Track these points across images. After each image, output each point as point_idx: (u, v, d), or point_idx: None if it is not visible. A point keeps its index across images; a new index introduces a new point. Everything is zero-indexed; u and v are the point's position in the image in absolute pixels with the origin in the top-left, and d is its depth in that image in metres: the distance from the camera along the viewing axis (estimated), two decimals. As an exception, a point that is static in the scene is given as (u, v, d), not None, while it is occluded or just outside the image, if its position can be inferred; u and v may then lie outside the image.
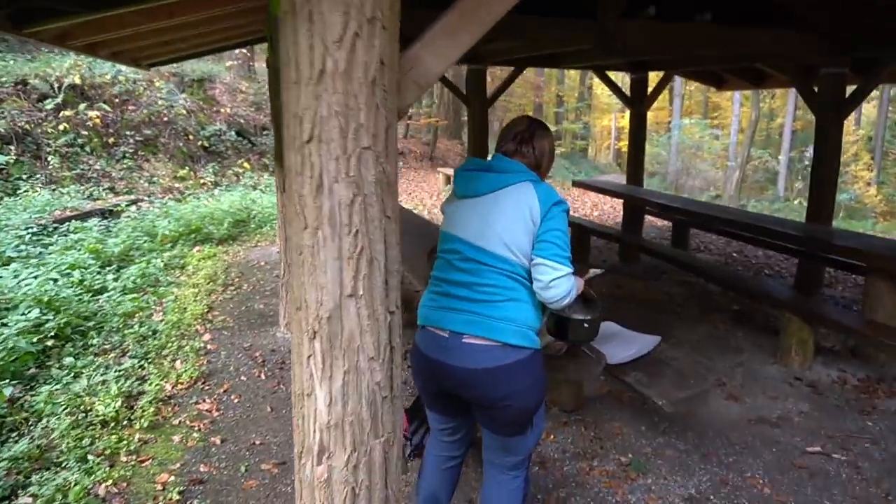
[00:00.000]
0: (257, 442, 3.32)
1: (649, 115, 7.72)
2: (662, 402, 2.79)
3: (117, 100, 9.87)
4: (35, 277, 4.83)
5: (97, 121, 9.25)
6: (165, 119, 10.19)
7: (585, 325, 2.21)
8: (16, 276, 4.85)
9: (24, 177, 8.07)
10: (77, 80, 9.46)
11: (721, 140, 21.48)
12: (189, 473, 3.04)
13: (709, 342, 4.69)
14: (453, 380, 1.89)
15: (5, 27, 2.94)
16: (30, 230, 6.40)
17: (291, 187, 1.35)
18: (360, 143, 1.29)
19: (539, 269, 1.78)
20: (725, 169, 20.62)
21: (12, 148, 8.27)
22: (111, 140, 9.37)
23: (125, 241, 6.56)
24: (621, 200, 7.06)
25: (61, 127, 8.87)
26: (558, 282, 1.76)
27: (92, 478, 2.91)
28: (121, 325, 4.68)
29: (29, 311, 4.25)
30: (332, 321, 1.35)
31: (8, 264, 5.37)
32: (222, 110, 11.40)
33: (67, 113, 9.05)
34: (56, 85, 9.26)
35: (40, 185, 8.04)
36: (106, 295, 5.22)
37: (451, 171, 8.36)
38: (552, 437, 3.32)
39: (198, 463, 3.13)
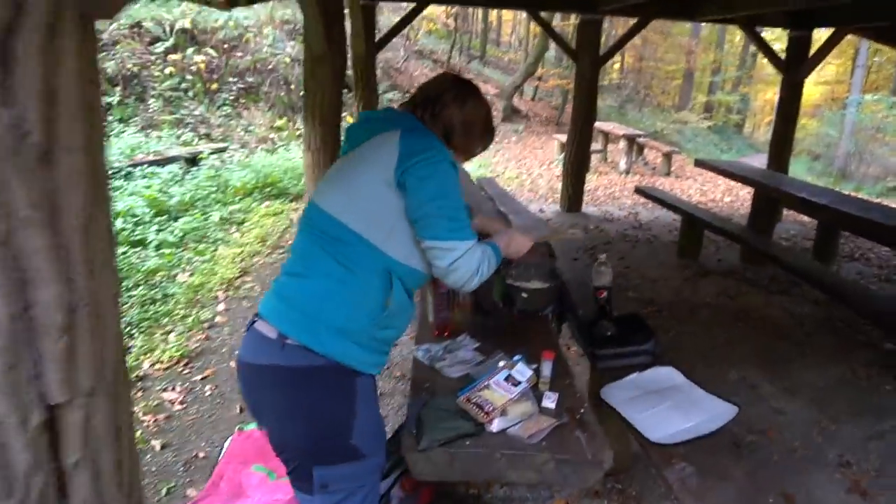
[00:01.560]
0: (201, 455, 2.71)
1: (821, 88, 6.10)
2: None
3: (225, 45, 9.78)
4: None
5: (202, 66, 9.20)
6: (269, 67, 9.98)
7: (525, 294, 2.08)
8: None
9: (125, 118, 8.16)
10: (188, 25, 9.44)
11: (912, 122, 17.84)
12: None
13: (839, 394, 3.41)
14: None
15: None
16: (103, 172, 6.32)
17: None
18: None
19: (431, 254, 1.48)
20: (913, 156, 17.16)
21: (118, 89, 8.39)
22: (213, 86, 9.30)
23: (191, 190, 6.31)
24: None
25: (167, 70, 8.90)
26: (458, 263, 1.46)
27: None
28: (138, 283, 4.32)
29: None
30: None
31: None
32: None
33: (175, 57, 9.06)
34: (168, 28, 9.30)
35: (138, 127, 8.10)
36: (140, 248, 4.92)
37: (565, 138, 7.27)
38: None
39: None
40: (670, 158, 10.13)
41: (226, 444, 2.30)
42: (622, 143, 10.24)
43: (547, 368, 1.77)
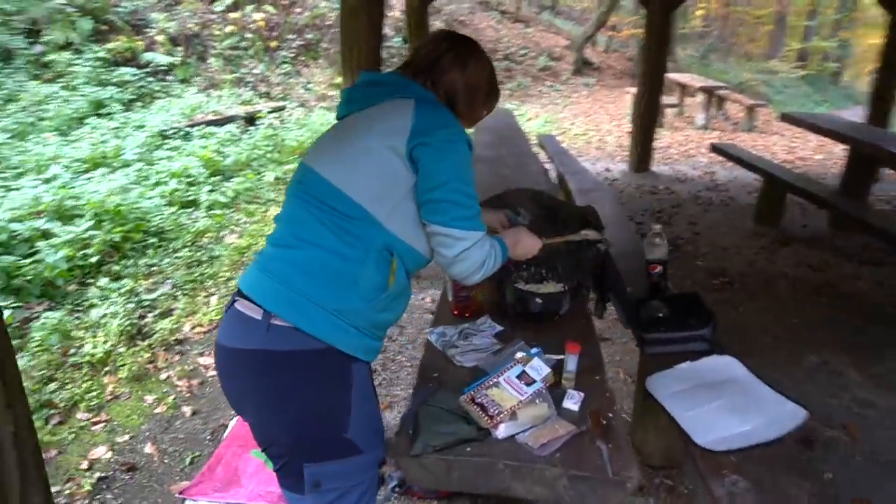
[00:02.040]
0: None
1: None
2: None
3: (284, 2, 9.66)
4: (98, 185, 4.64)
5: (262, 24, 9.13)
6: (328, 23, 9.79)
7: (538, 299, 1.80)
8: (99, 182, 4.72)
9: (187, 78, 8.23)
10: (248, -19, 9.37)
11: None
12: (127, 453, 2.49)
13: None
14: None
15: None
16: (163, 133, 6.40)
17: None
18: None
19: (437, 241, 1.34)
20: None
21: (180, 49, 8.46)
22: (273, 44, 9.22)
23: (246, 150, 6.28)
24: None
25: (227, 29, 8.89)
26: (466, 254, 1.34)
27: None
28: (186, 244, 4.32)
29: (90, 222, 4.04)
30: None
31: (127, 166, 5.34)
32: (390, 14, 10.72)
33: (234, 15, 9.03)
34: (229, -15, 9.25)
35: (199, 87, 8.15)
36: (192, 209, 4.93)
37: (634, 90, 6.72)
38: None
39: (147, 440, 2.57)
40: (754, 112, 9.28)
41: (230, 425, 2.20)
42: (700, 97, 9.46)
43: (572, 363, 1.53)
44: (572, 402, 1.48)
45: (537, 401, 1.41)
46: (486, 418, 1.34)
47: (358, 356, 1.32)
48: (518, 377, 1.44)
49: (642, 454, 2.50)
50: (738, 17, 20.54)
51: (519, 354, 1.56)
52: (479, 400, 1.39)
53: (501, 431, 1.36)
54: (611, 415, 1.46)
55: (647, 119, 6.45)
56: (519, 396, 1.39)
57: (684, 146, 8.19)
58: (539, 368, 1.45)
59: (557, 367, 1.60)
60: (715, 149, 5.75)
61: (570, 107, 11.12)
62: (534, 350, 1.54)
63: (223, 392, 1.36)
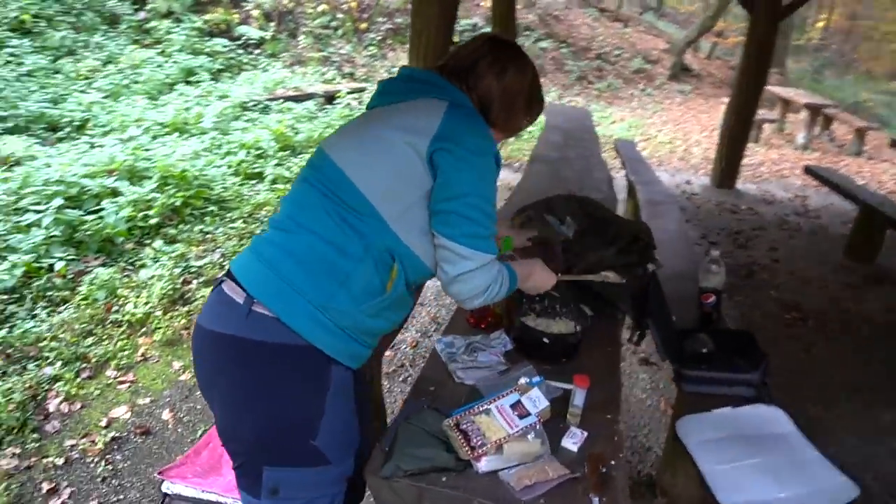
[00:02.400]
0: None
1: None
2: None
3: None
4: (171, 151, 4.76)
5: (353, 4, 9.21)
6: (419, 8, 9.74)
7: (546, 340, 1.62)
8: (172, 147, 4.86)
9: (275, 53, 8.42)
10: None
11: None
12: (145, 416, 2.52)
13: None
14: None
15: None
16: (243, 104, 6.56)
17: None
18: None
19: (442, 255, 1.23)
20: None
21: (273, 25, 8.66)
22: (362, 25, 9.28)
23: (319, 128, 6.33)
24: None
25: (320, 8, 9.02)
26: (469, 276, 1.22)
27: (54, 385, 2.57)
28: (244, 215, 4.38)
29: (155, 184, 4.16)
30: None
31: (203, 134, 5.50)
32: (482, 3, 10.54)
33: (339, -6, 9.14)
34: (328, -36, 9.37)
35: (286, 63, 8.32)
36: (256, 181, 5.01)
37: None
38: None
39: (167, 406, 2.59)
40: (864, 135, 8.49)
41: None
42: (803, 114, 8.75)
43: (579, 397, 1.36)
44: (572, 442, 1.31)
45: (529, 436, 1.25)
46: (466, 448, 1.20)
47: (340, 360, 1.22)
48: (512, 407, 1.29)
49: (671, 498, 2.28)
50: (864, 31, 18.96)
51: (522, 380, 1.40)
52: (464, 426, 1.25)
53: (483, 465, 1.22)
54: (613, 462, 1.28)
55: (737, 132, 6.00)
56: (508, 429, 1.24)
57: (778, 165, 7.60)
58: (537, 400, 1.29)
59: (560, 398, 1.43)
60: (809, 171, 5.27)
61: (660, 113, 10.60)
62: (535, 379, 1.37)
63: (196, 376, 1.29)
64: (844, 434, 2.66)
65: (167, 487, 1.52)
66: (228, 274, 1.26)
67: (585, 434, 1.34)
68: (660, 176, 6.44)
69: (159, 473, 1.56)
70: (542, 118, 7.40)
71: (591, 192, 3.24)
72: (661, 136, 8.83)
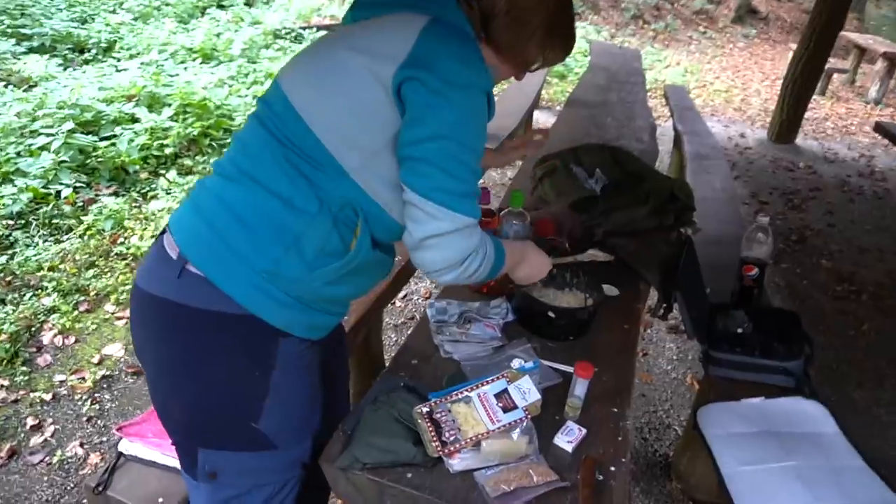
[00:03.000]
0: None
1: None
2: None
3: None
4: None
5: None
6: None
7: (551, 314, 1.37)
8: (196, 73, 4.67)
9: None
10: None
11: None
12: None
13: None
14: None
15: None
16: (276, 32, 6.30)
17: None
18: None
19: (408, 213, 0.98)
20: None
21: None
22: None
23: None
24: None
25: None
26: (438, 241, 0.96)
27: (49, 317, 2.50)
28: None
29: (172, 112, 4.00)
30: None
31: (231, 61, 5.29)
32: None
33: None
34: None
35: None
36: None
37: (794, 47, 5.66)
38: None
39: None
40: (947, 92, 7.73)
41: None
42: (879, 64, 7.98)
43: (581, 389, 1.15)
44: (566, 440, 1.11)
45: (515, 433, 1.06)
46: (436, 443, 1.02)
47: (294, 333, 1.03)
48: (497, 397, 1.09)
49: (687, 485, 2.09)
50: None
51: (515, 363, 1.20)
52: (438, 415, 1.06)
53: (457, 463, 1.04)
54: (613, 468, 1.08)
55: (803, 81, 5.47)
56: (488, 424, 1.05)
57: (844, 121, 6.99)
58: (527, 392, 1.09)
59: (560, 385, 1.23)
60: (879, 128, 4.76)
61: (720, 59, 9.88)
62: (529, 364, 1.17)
63: (132, 337, 1.12)
64: (894, 427, 2.41)
65: (124, 447, 1.40)
66: (168, 226, 1.07)
67: (584, 432, 1.14)
68: (711, 127, 5.98)
69: (118, 429, 1.44)
70: (586, 58, 6.89)
71: (630, 141, 2.93)
72: (718, 84, 8.22)
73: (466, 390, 1.11)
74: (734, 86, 8.23)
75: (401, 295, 2.99)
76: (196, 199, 1.04)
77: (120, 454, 1.40)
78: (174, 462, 1.37)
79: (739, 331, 1.80)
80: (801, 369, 1.69)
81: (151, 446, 1.41)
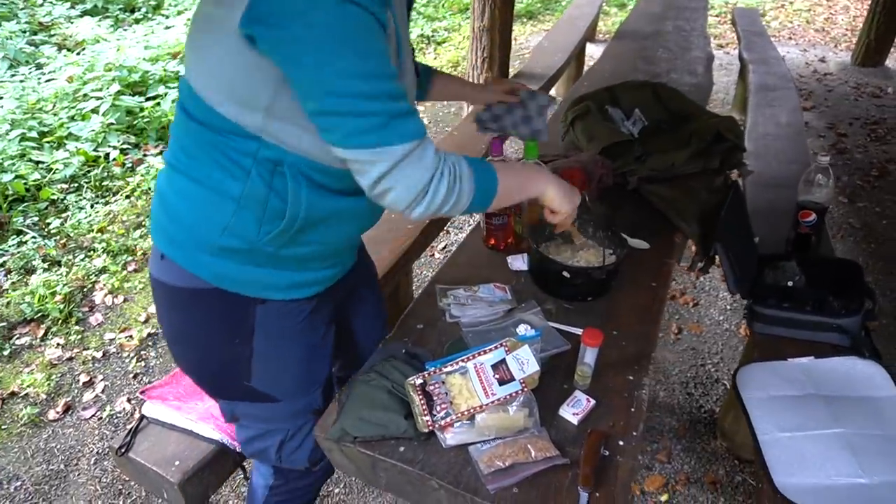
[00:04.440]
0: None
1: None
2: None
3: None
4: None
5: None
6: None
7: (566, 274, 1.25)
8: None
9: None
10: None
11: None
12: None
13: None
14: None
15: None
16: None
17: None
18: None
19: (350, 168, 0.89)
20: None
21: None
22: None
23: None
24: None
25: None
26: (388, 181, 0.86)
27: (100, 277, 2.61)
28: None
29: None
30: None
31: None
32: None
33: None
34: None
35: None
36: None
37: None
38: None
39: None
40: None
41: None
42: None
43: (591, 356, 1.07)
44: (572, 412, 1.04)
45: (512, 407, 0.99)
46: (426, 417, 0.97)
47: (271, 297, 1.03)
48: (494, 368, 1.02)
49: (732, 444, 1.98)
50: None
51: (521, 328, 1.12)
52: (431, 388, 1.01)
53: (450, 437, 0.99)
54: (622, 443, 1.00)
55: (895, -5, 4.87)
56: (482, 398, 0.98)
57: (946, 37, 6.23)
58: (525, 363, 1.02)
59: (570, 351, 1.14)
60: None
61: (802, -27, 8.94)
62: (529, 333, 1.08)
63: None
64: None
65: (147, 409, 1.44)
66: None
67: (592, 403, 1.06)
68: (788, 52, 5.48)
69: (141, 393, 1.48)
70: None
71: (682, 75, 2.69)
72: (799, 2, 7.47)
73: (463, 360, 1.05)
74: (818, 3, 7.46)
75: (440, 246, 2.93)
76: (160, 188, 1.04)
77: (143, 417, 1.44)
78: (192, 425, 1.41)
79: (790, 284, 1.65)
80: (858, 326, 1.52)
81: (172, 409, 1.44)
